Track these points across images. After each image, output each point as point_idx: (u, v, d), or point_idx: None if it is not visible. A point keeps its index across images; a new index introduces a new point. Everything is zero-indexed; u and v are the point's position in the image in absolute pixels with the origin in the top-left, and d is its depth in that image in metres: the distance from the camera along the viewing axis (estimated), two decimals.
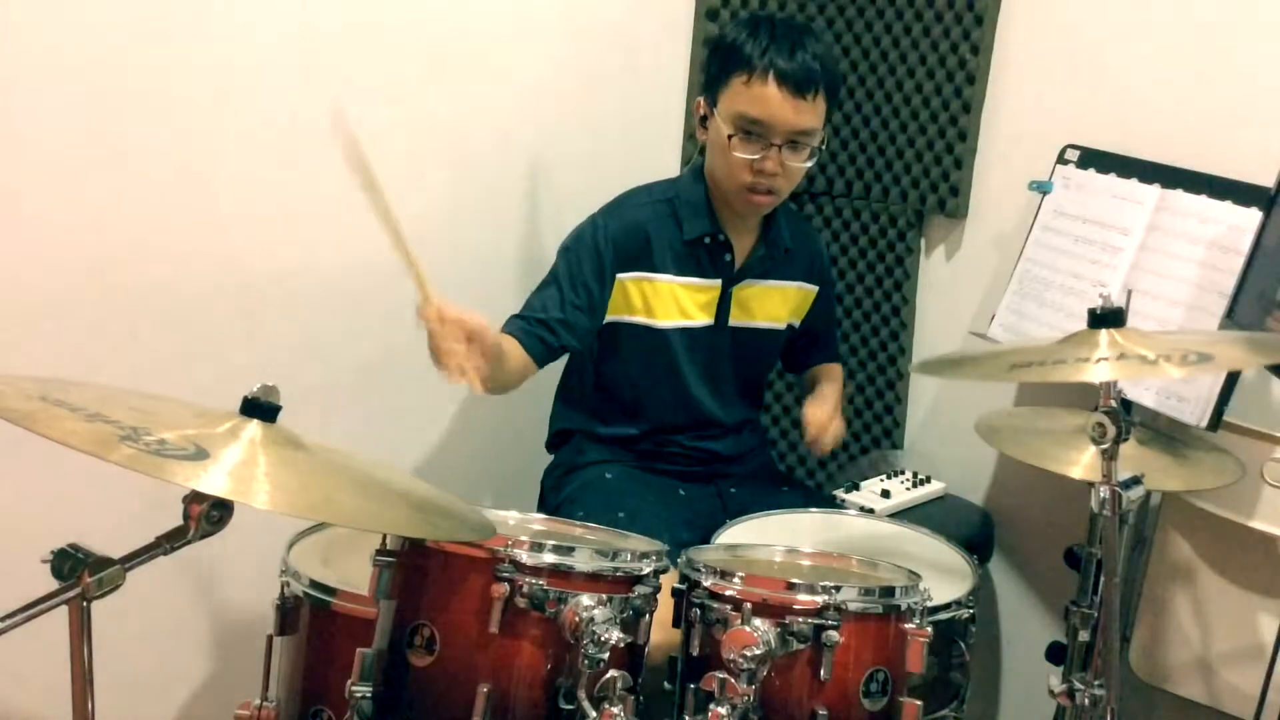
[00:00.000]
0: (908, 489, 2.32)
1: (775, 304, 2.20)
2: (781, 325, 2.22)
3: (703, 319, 2.12)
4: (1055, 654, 1.84)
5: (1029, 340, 2.10)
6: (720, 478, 2.23)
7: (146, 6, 1.75)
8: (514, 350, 1.94)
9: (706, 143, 2.07)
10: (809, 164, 2.02)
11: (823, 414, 2.13)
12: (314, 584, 1.61)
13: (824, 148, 2.04)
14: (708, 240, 2.08)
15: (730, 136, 1.97)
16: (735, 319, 2.15)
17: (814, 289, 2.25)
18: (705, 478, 2.22)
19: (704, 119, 2.06)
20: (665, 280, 2.08)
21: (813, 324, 2.29)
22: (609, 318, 2.08)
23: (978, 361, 1.81)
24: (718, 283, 2.11)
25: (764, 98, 1.94)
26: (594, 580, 1.45)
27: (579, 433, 2.22)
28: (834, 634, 1.45)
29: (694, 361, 2.14)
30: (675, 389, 2.15)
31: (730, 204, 2.07)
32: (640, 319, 2.09)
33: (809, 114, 1.96)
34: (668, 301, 2.08)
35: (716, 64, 2.02)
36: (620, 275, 2.06)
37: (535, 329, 1.99)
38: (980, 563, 2.09)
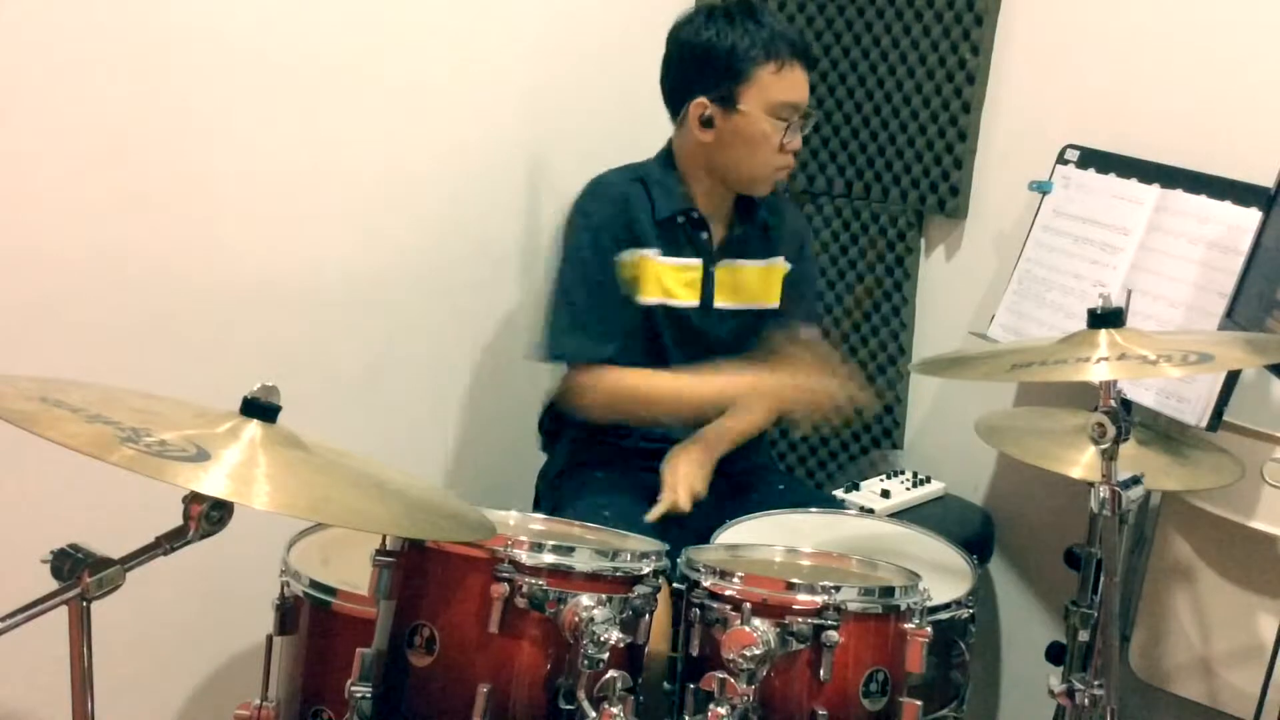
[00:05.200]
0: (908, 489, 2.32)
1: (765, 283, 2.17)
2: (776, 305, 2.19)
3: (688, 299, 2.11)
4: (1055, 654, 1.84)
5: (1029, 340, 2.10)
6: (719, 475, 2.22)
7: (147, 7, 1.75)
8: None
9: (698, 138, 2.02)
10: None
11: (680, 466, 2.02)
12: (314, 584, 1.61)
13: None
14: (681, 219, 2.08)
15: (785, 127, 1.99)
16: (723, 300, 2.13)
17: (790, 265, 2.20)
18: None
19: (707, 120, 2.01)
20: (650, 256, 2.08)
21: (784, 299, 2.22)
22: None
23: (978, 361, 1.81)
24: (699, 262, 2.10)
25: (796, 80, 1.99)
26: (594, 580, 1.45)
27: (569, 428, 2.21)
28: (834, 634, 1.45)
29: (680, 343, 2.12)
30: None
31: (754, 189, 2.09)
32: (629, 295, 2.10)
33: None
34: (650, 278, 2.08)
35: (717, 64, 1.98)
36: (618, 257, 2.06)
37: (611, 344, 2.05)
38: (980, 563, 2.09)
